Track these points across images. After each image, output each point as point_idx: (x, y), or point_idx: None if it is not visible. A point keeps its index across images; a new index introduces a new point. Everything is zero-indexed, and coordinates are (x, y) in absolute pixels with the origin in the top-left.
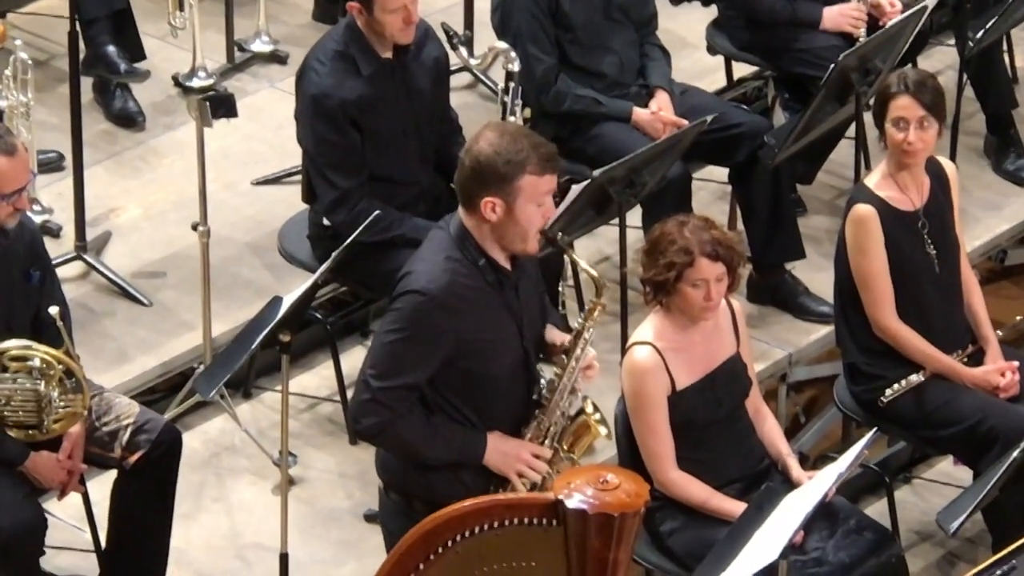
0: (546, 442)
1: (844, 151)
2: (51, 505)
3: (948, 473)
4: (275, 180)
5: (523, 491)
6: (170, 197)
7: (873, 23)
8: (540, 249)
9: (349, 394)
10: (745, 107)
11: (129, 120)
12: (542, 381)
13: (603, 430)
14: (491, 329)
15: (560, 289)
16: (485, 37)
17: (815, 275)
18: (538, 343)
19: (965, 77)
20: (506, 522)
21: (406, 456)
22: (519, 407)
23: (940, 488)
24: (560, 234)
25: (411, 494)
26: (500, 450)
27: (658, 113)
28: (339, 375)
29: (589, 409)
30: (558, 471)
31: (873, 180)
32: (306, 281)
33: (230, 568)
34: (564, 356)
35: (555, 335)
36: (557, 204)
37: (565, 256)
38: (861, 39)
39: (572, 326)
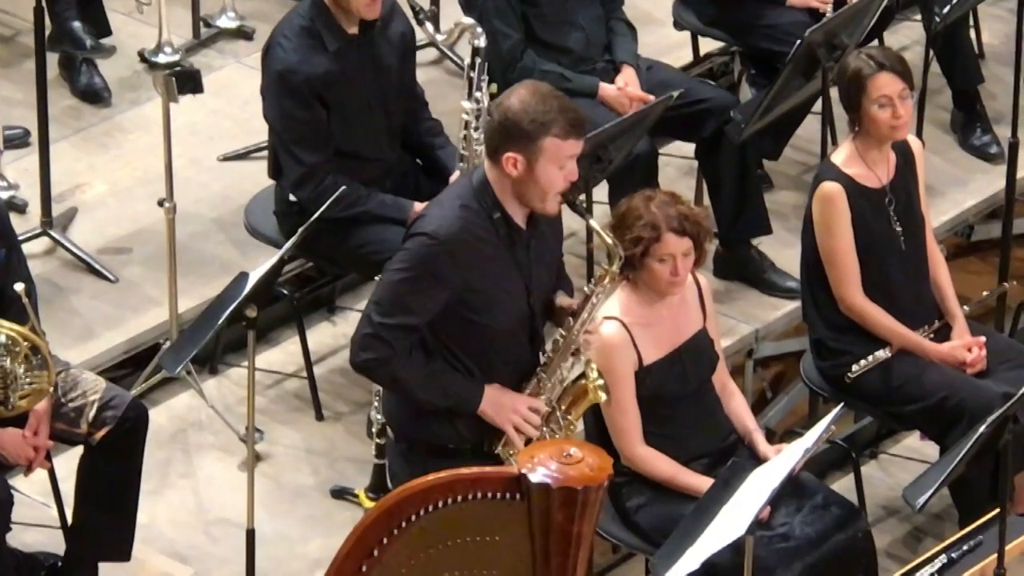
0: (543, 398)
1: (810, 126)
2: (17, 481)
3: (915, 448)
4: (241, 156)
5: (519, 444)
6: (136, 173)
7: None
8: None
9: (316, 370)
10: (711, 82)
11: (95, 96)
12: (547, 344)
13: (603, 395)
14: (496, 281)
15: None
16: (451, 13)
17: (782, 251)
18: (546, 306)
19: (931, 53)
20: (469, 496)
21: (400, 394)
22: (521, 364)
23: (907, 463)
24: (581, 198)
25: (412, 438)
26: (496, 401)
27: (624, 89)
28: (305, 351)
29: (592, 375)
30: (553, 431)
31: (840, 157)
32: (272, 257)
33: (196, 543)
34: (571, 318)
35: (564, 300)
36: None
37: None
38: (828, 15)
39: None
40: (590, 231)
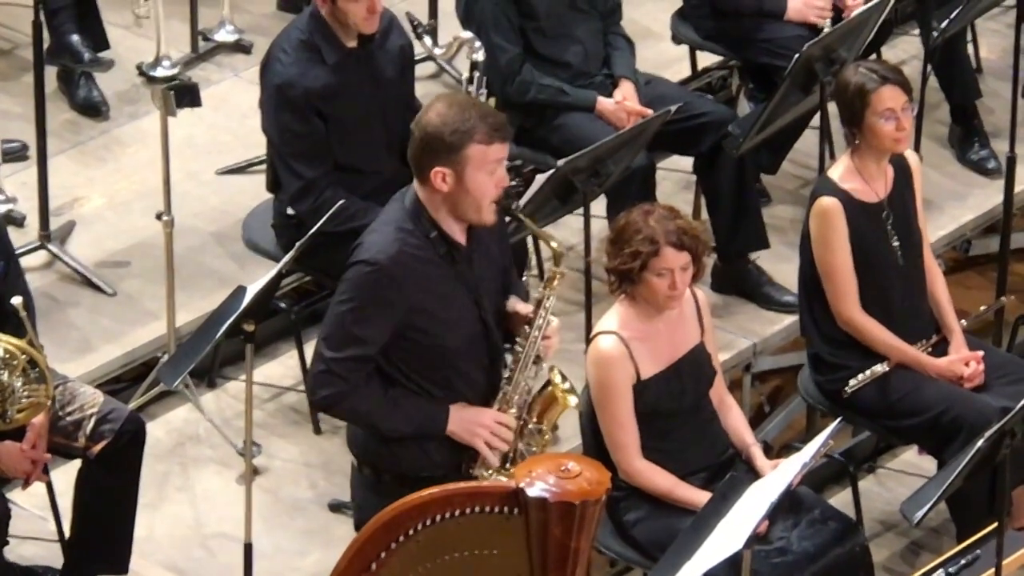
0: (512, 411)
1: (808, 141)
2: (15, 495)
3: (912, 463)
4: (239, 169)
5: (495, 462)
6: (134, 186)
7: (838, 13)
8: (496, 219)
9: None
10: (709, 97)
11: (93, 109)
12: (508, 357)
13: (572, 400)
14: (443, 300)
15: (524, 278)
16: (450, 26)
17: (779, 265)
18: (500, 316)
19: (929, 67)
20: (467, 510)
21: (364, 428)
22: (481, 382)
23: (904, 478)
24: (516, 204)
25: (380, 468)
26: (463, 419)
27: (622, 103)
28: (303, 365)
29: (557, 379)
30: (529, 444)
31: (837, 172)
32: (270, 271)
33: (194, 557)
34: (527, 326)
35: (518, 306)
36: (524, 189)
37: (528, 238)
38: (826, 29)
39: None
40: (588, 245)
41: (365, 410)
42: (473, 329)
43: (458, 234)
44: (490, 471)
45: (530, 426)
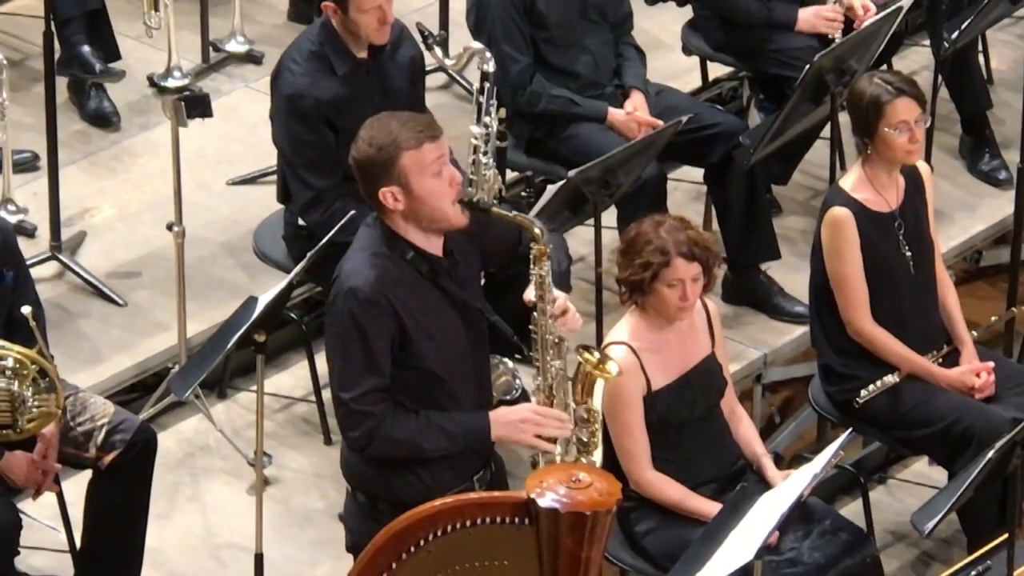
0: (556, 397)
1: (819, 152)
2: (26, 505)
3: (923, 474)
4: (250, 180)
5: (554, 449)
6: (145, 197)
7: (848, 24)
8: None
9: (324, 394)
10: (720, 108)
11: (104, 120)
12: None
13: (612, 367)
14: (431, 319)
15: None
16: (460, 37)
17: (790, 275)
18: (490, 325)
19: (940, 78)
20: (478, 521)
21: (410, 454)
22: (472, 396)
23: (915, 489)
24: (478, 196)
25: (375, 495)
26: (504, 421)
27: (633, 113)
28: (314, 375)
29: (587, 355)
30: (580, 432)
31: (848, 182)
32: (281, 281)
33: (205, 568)
34: (535, 313)
35: (528, 294)
36: (535, 199)
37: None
38: (837, 40)
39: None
40: (599, 255)
41: (404, 437)
42: (461, 344)
43: (435, 247)
44: (551, 459)
45: (578, 411)
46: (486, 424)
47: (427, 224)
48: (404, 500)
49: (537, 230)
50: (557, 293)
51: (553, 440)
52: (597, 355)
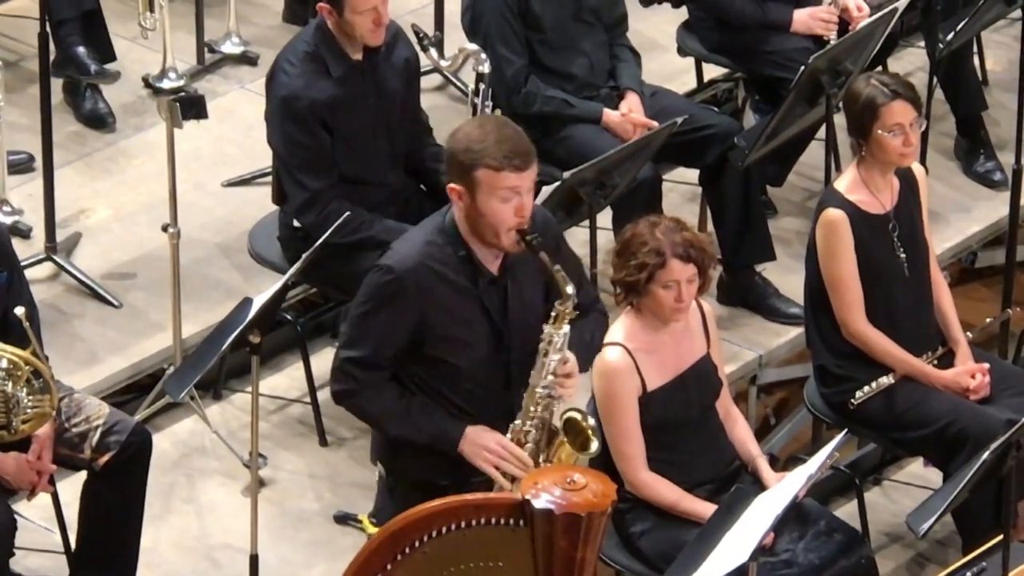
0: (532, 434)
1: (814, 153)
2: (20, 506)
3: (918, 475)
4: (245, 181)
5: (506, 485)
6: (140, 198)
7: (843, 25)
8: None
9: (319, 395)
10: (715, 109)
11: (99, 121)
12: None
13: (583, 458)
14: (456, 321)
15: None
16: (455, 38)
17: (785, 277)
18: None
19: (935, 79)
20: (473, 522)
21: (373, 427)
22: (497, 406)
23: (910, 490)
24: (534, 236)
25: (393, 472)
26: (474, 441)
27: (628, 115)
28: (309, 377)
29: (576, 429)
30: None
31: (843, 184)
32: (276, 282)
33: (200, 569)
34: (539, 355)
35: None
36: None
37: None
38: (832, 41)
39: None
40: (594, 256)
41: (375, 412)
42: (488, 354)
43: (490, 260)
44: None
45: (540, 459)
46: (458, 436)
47: (480, 235)
48: (418, 480)
49: (569, 290)
50: (569, 355)
51: (511, 478)
52: (581, 439)
